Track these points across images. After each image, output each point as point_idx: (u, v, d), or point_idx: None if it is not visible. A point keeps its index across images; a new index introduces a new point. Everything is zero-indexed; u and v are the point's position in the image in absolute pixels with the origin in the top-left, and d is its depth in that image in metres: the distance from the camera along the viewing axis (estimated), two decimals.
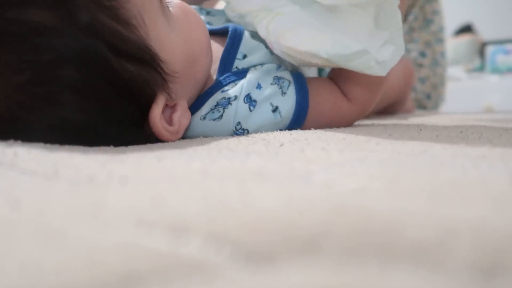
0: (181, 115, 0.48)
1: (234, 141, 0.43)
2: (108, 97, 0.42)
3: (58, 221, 0.20)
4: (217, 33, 0.58)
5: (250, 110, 0.50)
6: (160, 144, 0.45)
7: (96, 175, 0.28)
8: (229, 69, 0.53)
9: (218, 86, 0.52)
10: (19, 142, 0.37)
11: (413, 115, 1.01)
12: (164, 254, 0.17)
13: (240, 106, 0.50)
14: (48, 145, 0.37)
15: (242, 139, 0.44)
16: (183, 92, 0.48)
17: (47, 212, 0.21)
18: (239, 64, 0.54)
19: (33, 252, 0.17)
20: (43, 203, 0.22)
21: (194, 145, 0.41)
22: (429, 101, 1.26)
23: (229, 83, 0.52)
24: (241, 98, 0.50)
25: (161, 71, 0.45)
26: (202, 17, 0.59)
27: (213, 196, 0.22)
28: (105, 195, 0.23)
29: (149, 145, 0.45)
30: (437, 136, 0.45)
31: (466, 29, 2.80)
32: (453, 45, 2.73)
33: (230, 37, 0.55)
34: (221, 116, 0.50)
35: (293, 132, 0.48)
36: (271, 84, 0.52)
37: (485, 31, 2.82)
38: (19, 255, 0.16)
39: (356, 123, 0.64)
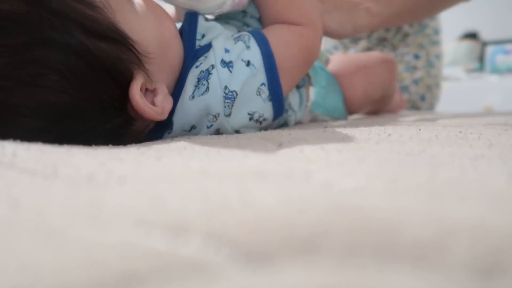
0: (163, 98, 0.49)
1: (233, 141, 0.43)
2: (87, 77, 0.43)
3: (57, 221, 0.20)
4: None
5: (230, 72, 0.52)
6: (158, 143, 0.45)
7: (95, 174, 0.28)
8: (193, 50, 0.56)
9: (190, 64, 0.53)
10: (18, 141, 0.37)
11: (412, 114, 1.01)
12: (163, 254, 0.17)
13: (220, 71, 0.52)
14: (47, 145, 0.37)
15: (241, 138, 0.44)
16: (161, 76, 0.50)
17: (46, 211, 0.21)
18: (200, 43, 0.56)
19: (32, 252, 0.17)
20: (42, 203, 0.22)
21: (193, 145, 0.41)
22: (423, 102, 1.27)
23: (198, 57, 0.54)
24: (218, 64, 0.52)
25: (134, 50, 0.47)
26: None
27: (212, 195, 0.22)
28: (104, 195, 0.23)
29: (148, 144, 0.45)
30: (436, 136, 0.45)
31: (471, 35, 2.81)
32: (454, 48, 2.74)
33: (185, 20, 0.58)
34: (208, 88, 0.52)
35: (292, 131, 0.48)
36: (235, 44, 0.55)
37: (485, 31, 2.82)
38: (18, 255, 0.16)
39: (355, 122, 0.64)
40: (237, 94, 0.52)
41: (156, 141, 0.49)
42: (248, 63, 0.53)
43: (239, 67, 0.53)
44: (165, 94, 0.50)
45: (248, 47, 0.54)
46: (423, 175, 0.26)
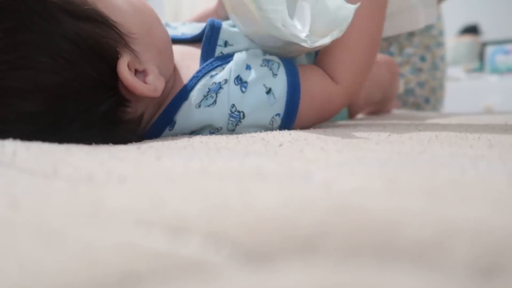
0: (154, 78, 0.50)
1: (233, 140, 0.43)
2: (74, 57, 0.44)
3: (57, 221, 0.20)
4: (196, 41, 0.60)
5: (242, 92, 0.51)
6: (159, 143, 0.45)
7: (95, 174, 0.28)
8: (212, 56, 0.55)
9: (204, 70, 0.53)
10: (18, 140, 0.37)
11: (412, 114, 1.01)
12: (163, 254, 0.17)
13: (231, 89, 0.51)
14: (47, 144, 0.37)
15: (241, 138, 0.44)
16: (148, 57, 0.51)
17: (46, 211, 0.21)
18: (222, 50, 0.55)
19: (32, 252, 0.17)
20: (42, 203, 0.22)
21: (193, 145, 0.41)
22: (428, 105, 1.28)
23: (216, 67, 0.53)
24: (231, 81, 0.51)
25: (117, 30, 0.48)
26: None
27: (212, 196, 0.22)
28: (104, 195, 0.23)
29: (147, 143, 0.45)
30: (436, 136, 0.45)
31: (472, 29, 2.80)
32: (453, 45, 2.73)
33: (209, 24, 0.57)
34: (215, 101, 0.51)
35: (292, 132, 0.48)
36: (261, 66, 0.53)
37: (484, 31, 2.82)
38: (18, 255, 0.16)
39: (355, 123, 0.64)
40: (244, 116, 0.51)
41: (156, 140, 0.49)
42: (268, 91, 0.52)
43: (256, 91, 0.51)
44: (156, 74, 0.50)
45: (275, 75, 0.53)
46: (423, 175, 0.26)
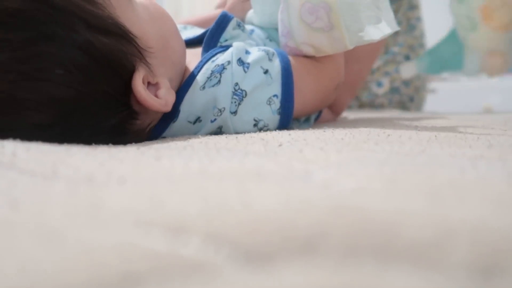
0: (166, 92, 0.51)
1: (232, 141, 0.43)
2: (91, 71, 0.44)
3: (56, 221, 0.20)
4: (197, 42, 0.62)
5: (245, 71, 0.54)
6: (158, 143, 0.45)
7: (94, 175, 0.28)
8: (213, 47, 0.57)
9: (206, 58, 0.55)
10: (18, 141, 0.37)
11: (411, 115, 1.01)
12: (163, 255, 0.17)
13: (235, 69, 0.53)
14: (47, 145, 0.37)
15: (241, 139, 0.44)
16: (162, 70, 0.52)
17: (46, 212, 0.21)
18: (222, 44, 0.58)
19: (32, 253, 0.17)
20: (42, 203, 0.22)
21: (193, 145, 0.41)
22: (412, 103, 1.32)
23: (216, 53, 0.55)
24: (234, 62, 0.54)
25: (135, 44, 0.48)
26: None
27: (212, 196, 0.22)
28: (103, 195, 0.23)
29: (147, 144, 0.45)
30: (435, 136, 0.45)
31: None
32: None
33: (216, 22, 0.59)
34: (219, 81, 0.53)
35: (292, 132, 0.48)
36: (258, 51, 0.56)
37: None
38: (18, 256, 0.16)
39: (355, 123, 0.64)
40: (246, 94, 0.53)
41: (155, 141, 0.49)
42: (266, 72, 0.55)
43: (255, 71, 0.54)
44: (168, 87, 0.51)
45: (270, 59, 0.56)
46: (423, 175, 0.26)
